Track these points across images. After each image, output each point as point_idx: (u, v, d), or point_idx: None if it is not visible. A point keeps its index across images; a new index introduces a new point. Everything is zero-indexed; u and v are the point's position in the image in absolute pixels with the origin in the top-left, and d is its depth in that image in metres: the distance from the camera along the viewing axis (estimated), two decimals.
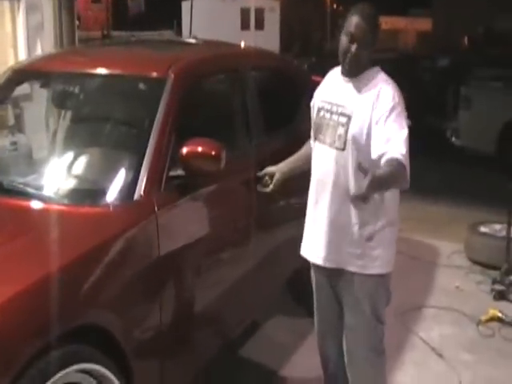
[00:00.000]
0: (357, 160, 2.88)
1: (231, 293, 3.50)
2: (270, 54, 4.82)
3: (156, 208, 2.86)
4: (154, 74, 3.35)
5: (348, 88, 2.97)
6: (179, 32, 27.00)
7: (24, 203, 2.87)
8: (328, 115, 3.01)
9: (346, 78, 2.99)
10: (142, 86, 3.42)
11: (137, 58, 3.84)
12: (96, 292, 2.50)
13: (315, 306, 3.29)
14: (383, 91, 2.87)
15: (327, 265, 3.08)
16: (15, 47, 7.99)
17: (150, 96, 3.32)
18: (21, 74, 3.84)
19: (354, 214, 2.94)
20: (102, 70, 3.53)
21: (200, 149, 2.99)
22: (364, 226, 2.95)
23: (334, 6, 40.17)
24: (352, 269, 3.01)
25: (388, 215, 2.99)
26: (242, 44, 4.78)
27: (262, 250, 3.80)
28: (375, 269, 3.00)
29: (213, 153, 3.00)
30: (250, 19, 26.89)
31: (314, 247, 3.13)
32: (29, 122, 4.32)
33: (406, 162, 2.67)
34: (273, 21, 27.64)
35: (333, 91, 3.05)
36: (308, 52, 25.41)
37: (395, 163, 2.63)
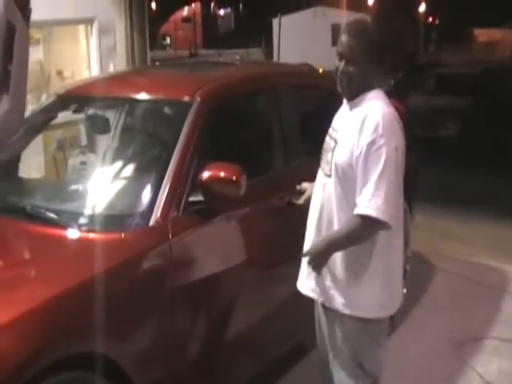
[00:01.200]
0: (341, 190, 2.66)
1: (253, 325, 3.39)
2: (308, 73, 4.66)
3: (171, 235, 2.80)
4: (180, 98, 3.30)
5: (345, 111, 2.79)
6: (268, 49, 27.14)
7: (40, 228, 2.88)
8: (328, 139, 2.85)
9: (346, 101, 2.80)
10: (168, 109, 3.38)
11: (166, 81, 3.80)
12: (95, 321, 2.43)
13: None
14: (368, 119, 2.56)
15: (315, 297, 2.88)
16: (90, 69, 8.19)
17: (175, 120, 3.29)
18: (61, 99, 3.90)
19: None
20: (131, 95, 3.52)
21: (219, 173, 2.92)
22: (350, 264, 2.70)
23: (429, 18, 39.38)
24: (335, 305, 2.77)
25: (385, 255, 2.71)
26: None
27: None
28: (357, 311, 2.72)
29: (233, 178, 2.91)
30: None
31: (303, 276, 2.94)
32: None
33: (379, 212, 2.49)
34: None
35: (337, 115, 2.90)
36: (399, 66, 24.98)
37: (358, 222, 2.53)
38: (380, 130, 2.51)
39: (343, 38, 2.67)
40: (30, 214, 2.98)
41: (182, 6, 31.41)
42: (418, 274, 5.23)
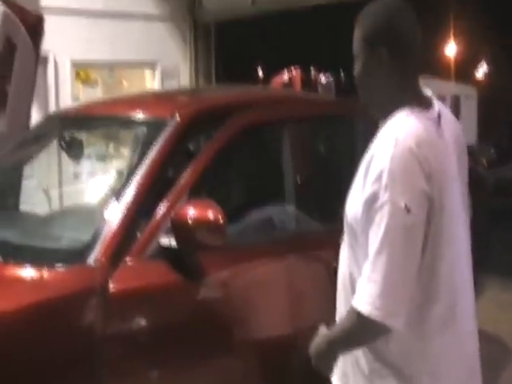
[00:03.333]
0: (353, 252, 1.88)
1: None
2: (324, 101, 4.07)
3: (113, 281, 2.32)
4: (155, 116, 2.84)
5: None
6: None
7: None
8: None
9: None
10: (141, 129, 2.90)
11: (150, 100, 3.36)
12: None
13: None
14: (374, 161, 1.75)
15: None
16: None
17: (144, 140, 2.79)
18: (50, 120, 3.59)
19: None
20: (108, 113, 3.09)
21: (199, 212, 2.37)
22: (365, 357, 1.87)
23: None
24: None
25: (399, 363, 1.81)
26: None
27: None
28: None
29: (211, 217, 2.36)
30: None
31: None
32: None
33: (372, 309, 1.69)
34: (469, 108, 26.73)
35: None
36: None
37: (353, 317, 1.75)
38: (386, 178, 1.70)
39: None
40: None
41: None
42: (494, 360, 4.20)
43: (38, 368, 2.19)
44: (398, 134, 1.73)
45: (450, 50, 28.68)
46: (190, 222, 2.35)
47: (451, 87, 25.59)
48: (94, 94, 7.63)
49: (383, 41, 1.81)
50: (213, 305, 2.63)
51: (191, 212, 2.37)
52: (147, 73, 8.12)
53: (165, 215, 2.45)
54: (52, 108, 7.00)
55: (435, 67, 25.44)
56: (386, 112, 1.83)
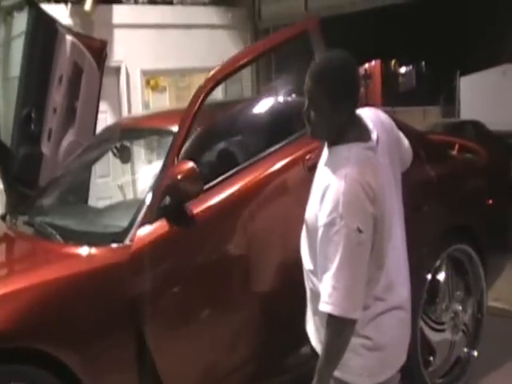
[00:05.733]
0: (311, 251, 2.43)
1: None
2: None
3: (139, 249, 2.93)
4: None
5: (323, 161, 2.47)
6: (449, 108, 26.56)
7: (39, 241, 3.32)
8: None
9: (327, 148, 2.48)
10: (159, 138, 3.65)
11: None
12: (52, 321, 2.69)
13: None
14: (329, 192, 2.25)
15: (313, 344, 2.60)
16: None
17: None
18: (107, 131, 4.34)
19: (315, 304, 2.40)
20: (144, 125, 3.87)
21: (179, 170, 2.91)
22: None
23: None
24: None
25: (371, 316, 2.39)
26: None
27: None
28: (346, 374, 2.40)
29: (190, 169, 2.89)
30: None
31: (306, 317, 2.67)
32: None
33: (340, 309, 2.19)
34: None
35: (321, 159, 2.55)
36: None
37: (328, 324, 2.25)
38: (340, 209, 2.20)
39: (306, 77, 2.38)
40: (38, 230, 3.39)
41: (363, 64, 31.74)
42: (498, 334, 4.64)
43: (90, 321, 2.77)
44: (346, 169, 2.24)
45: None
46: (178, 177, 2.86)
47: None
48: (163, 100, 8.35)
49: (342, 95, 2.30)
50: (212, 242, 3.12)
51: (176, 171, 2.91)
52: None
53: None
54: (125, 114, 7.76)
55: None
56: (331, 141, 2.39)
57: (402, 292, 2.50)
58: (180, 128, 3.10)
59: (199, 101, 3.10)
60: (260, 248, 3.18)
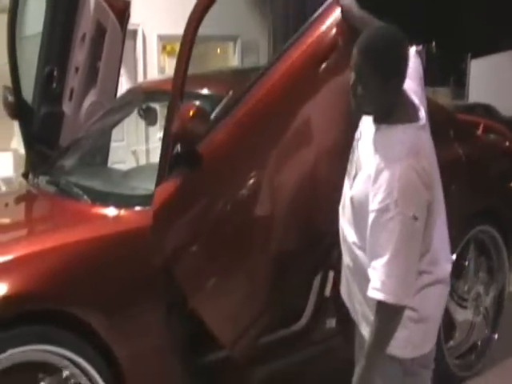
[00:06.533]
0: (357, 227, 2.38)
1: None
2: None
3: (159, 210, 2.78)
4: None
5: (369, 129, 2.38)
6: (458, 90, 26.51)
7: (67, 200, 3.23)
8: (354, 148, 2.50)
9: (375, 123, 2.36)
10: None
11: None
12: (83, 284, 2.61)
13: None
14: (383, 176, 2.18)
15: (352, 313, 2.59)
16: None
17: None
18: (131, 92, 4.30)
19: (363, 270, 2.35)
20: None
21: (185, 113, 2.70)
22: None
23: None
24: (365, 333, 2.44)
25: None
26: None
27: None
28: (391, 348, 2.31)
29: (197, 108, 2.72)
30: None
31: (342, 286, 2.66)
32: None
33: (393, 296, 2.17)
34: None
35: (363, 123, 2.50)
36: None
37: (378, 311, 2.21)
38: (395, 194, 2.14)
39: (354, 50, 2.28)
40: (63, 189, 3.34)
41: None
42: None
43: (119, 285, 2.68)
44: (401, 153, 2.17)
45: None
46: (184, 120, 2.67)
47: None
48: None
49: (392, 72, 2.23)
50: (231, 178, 2.91)
51: (180, 115, 2.70)
52: (230, 46, 8.61)
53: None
54: (140, 78, 7.68)
55: None
56: (379, 118, 2.31)
57: (446, 266, 2.47)
58: (177, 68, 2.86)
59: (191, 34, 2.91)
60: (282, 172, 3.00)
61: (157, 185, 2.79)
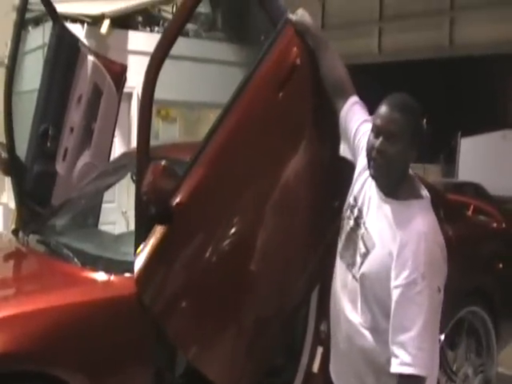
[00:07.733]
0: (366, 304, 2.37)
1: None
2: None
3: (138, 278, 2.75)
4: None
5: (381, 209, 2.34)
6: (448, 167, 26.74)
7: (53, 261, 3.21)
8: (351, 223, 2.45)
9: (384, 197, 2.34)
10: None
11: None
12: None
13: None
14: (408, 249, 2.20)
15: None
16: None
17: None
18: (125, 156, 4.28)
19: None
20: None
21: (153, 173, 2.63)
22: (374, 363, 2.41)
23: None
24: None
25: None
26: None
27: None
28: None
29: (165, 166, 2.64)
30: None
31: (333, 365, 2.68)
32: None
33: (425, 369, 2.16)
34: None
35: (361, 190, 2.46)
36: None
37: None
38: (422, 268, 2.17)
39: (384, 109, 2.27)
40: (52, 250, 3.31)
41: None
42: None
43: (104, 350, 2.65)
44: (423, 228, 2.22)
45: None
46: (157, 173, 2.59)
47: None
48: (173, 131, 8.29)
49: (421, 142, 2.30)
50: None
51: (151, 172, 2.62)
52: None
53: None
54: (134, 140, 7.67)
55: None
56: (397, 184, 2.32)
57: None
58: (140, 129, 2.83)
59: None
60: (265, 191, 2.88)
61: (135, 250, 2.76)
